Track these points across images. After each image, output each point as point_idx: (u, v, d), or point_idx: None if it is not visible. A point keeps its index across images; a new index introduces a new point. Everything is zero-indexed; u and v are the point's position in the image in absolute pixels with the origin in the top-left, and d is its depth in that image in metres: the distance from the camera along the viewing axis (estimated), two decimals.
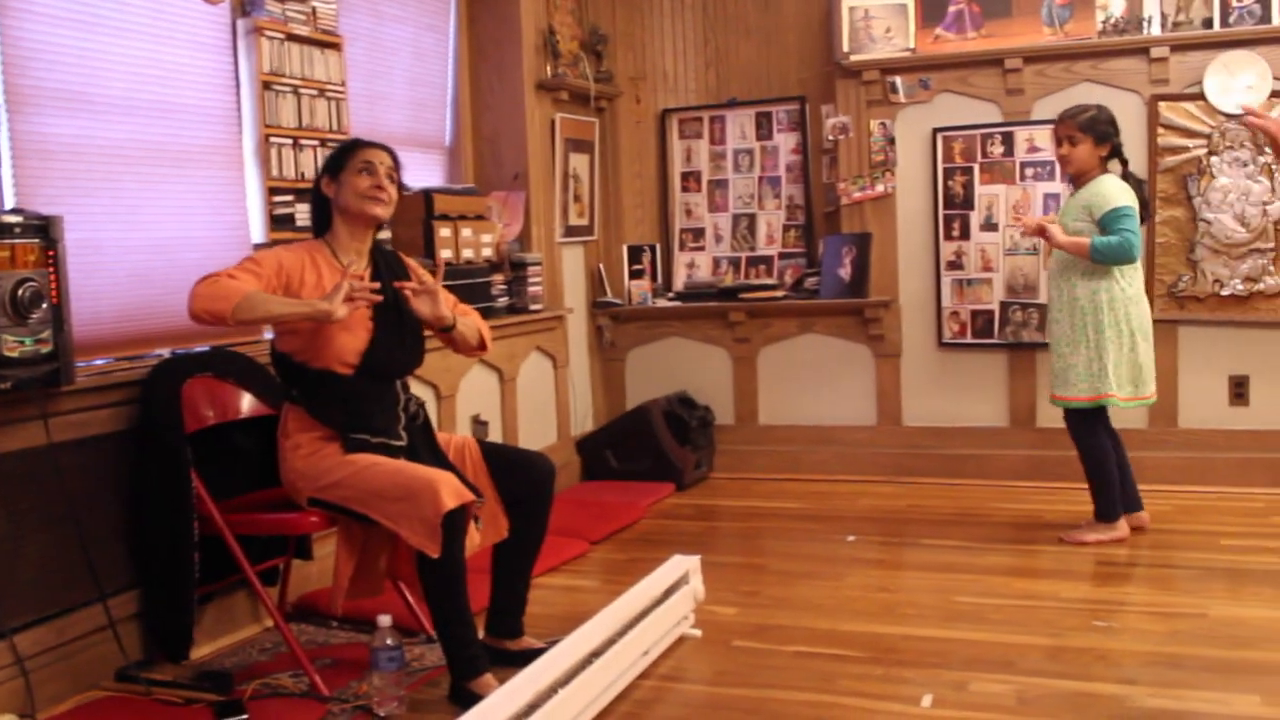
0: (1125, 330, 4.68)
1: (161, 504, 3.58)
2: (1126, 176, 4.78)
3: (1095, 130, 4.71)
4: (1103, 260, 4.60)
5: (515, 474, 3.64)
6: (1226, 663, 3.48)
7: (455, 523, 3.23)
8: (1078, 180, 4.80)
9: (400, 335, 3.58)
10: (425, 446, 3.57)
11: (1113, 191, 4.64)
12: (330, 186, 3.54)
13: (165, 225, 4.09)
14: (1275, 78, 5.43)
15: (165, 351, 3.95)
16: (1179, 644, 3.65)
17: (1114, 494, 4.83)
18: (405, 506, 3.25)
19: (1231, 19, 5.53)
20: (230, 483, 3.82)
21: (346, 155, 3.55)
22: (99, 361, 3.78)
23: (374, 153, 3.56)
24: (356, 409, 3.46)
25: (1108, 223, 4.60)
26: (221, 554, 3.60)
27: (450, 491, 3.22)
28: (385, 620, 3.28)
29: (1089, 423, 4.80)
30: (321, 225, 3.62)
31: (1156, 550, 4.72)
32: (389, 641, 3.26)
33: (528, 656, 3.23)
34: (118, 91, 3.92)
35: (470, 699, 3.16)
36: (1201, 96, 5.56)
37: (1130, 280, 4.71)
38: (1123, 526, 4.84)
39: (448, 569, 3.24)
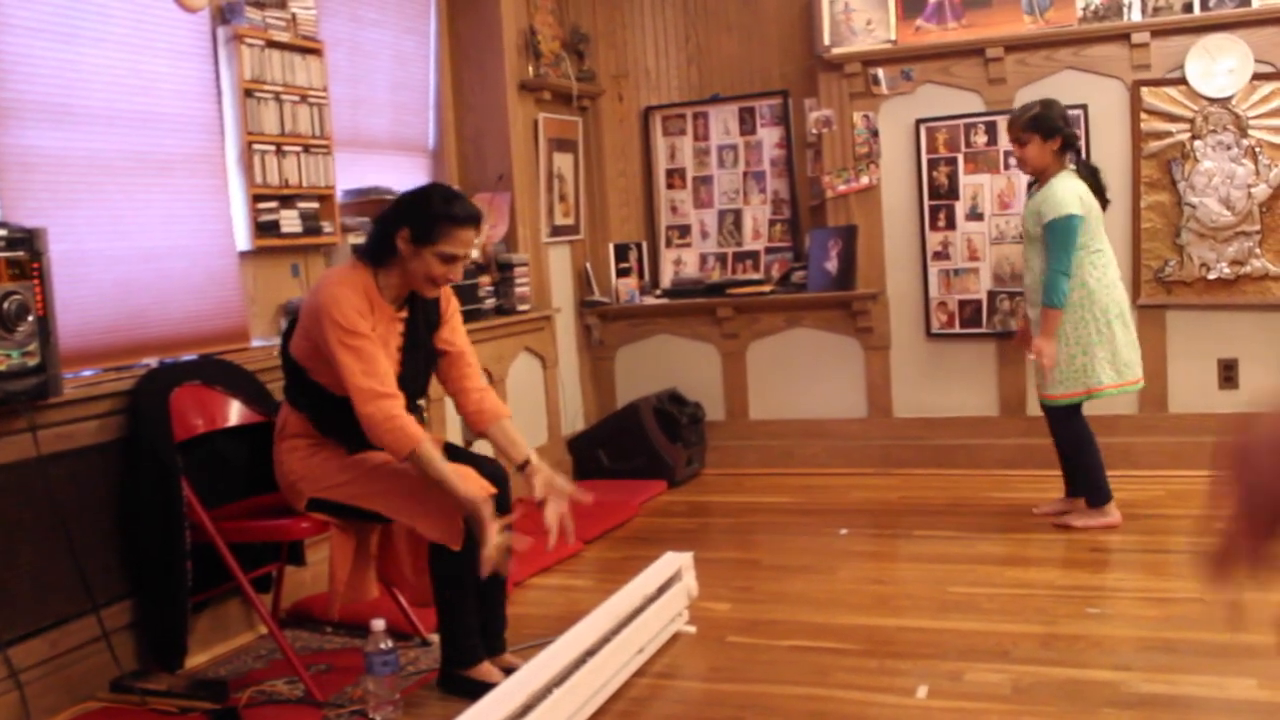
0: (1102, 319, 4.69)
1: (152, 513, 3.58)
2: (1081, 166, 4.82)
3: (1039, 128, 4.73)
4: (1061, 295, 4.63)
5: None
6: (1221, 647, 3.49)
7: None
8: (1040, 178, 4.81)
9: (418, 366, 3.55)
10: None
11: (1059, 197, 4.65)
12: (407, 247, 3.34)
13: (150, 235, 4.08)
14: (1256, 60, 5.44)
15: (153, 361, 3.94)
16: (1173, 629, 3.66)
17: (1102, 478, 4.86)
18: (425, 502, 3.28)
19: (1212, 2, 5.54)
20: (221, 490, 3.82)
21: (442, 231, 3.33)
22: (86, 373, 3.76)
23: (469, 237, 3.39)
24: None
25: (1048, 233, 4.64)
26: (214, 562, 3.59)
27: (474, 486, 3.27)
28: (379, 625, 3.28)
29: (1068, 413, 4.83)
30: (377, 259, 3.42)
31: (1149, 535, 4.73)
32: (383, 646, 3.26)
33: (508, 675, 3.15)
34: (99, 102, 3.91)
35: (465, 685, 3.24)
36: (1184, 81, 5.57)
37: (1102, 270, 4.72)
38: (1114, 512, 4.85)
39: (464, 561, 3.28)
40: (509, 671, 3.16)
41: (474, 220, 3.40)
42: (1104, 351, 4.70)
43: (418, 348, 3.53)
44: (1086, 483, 4.89)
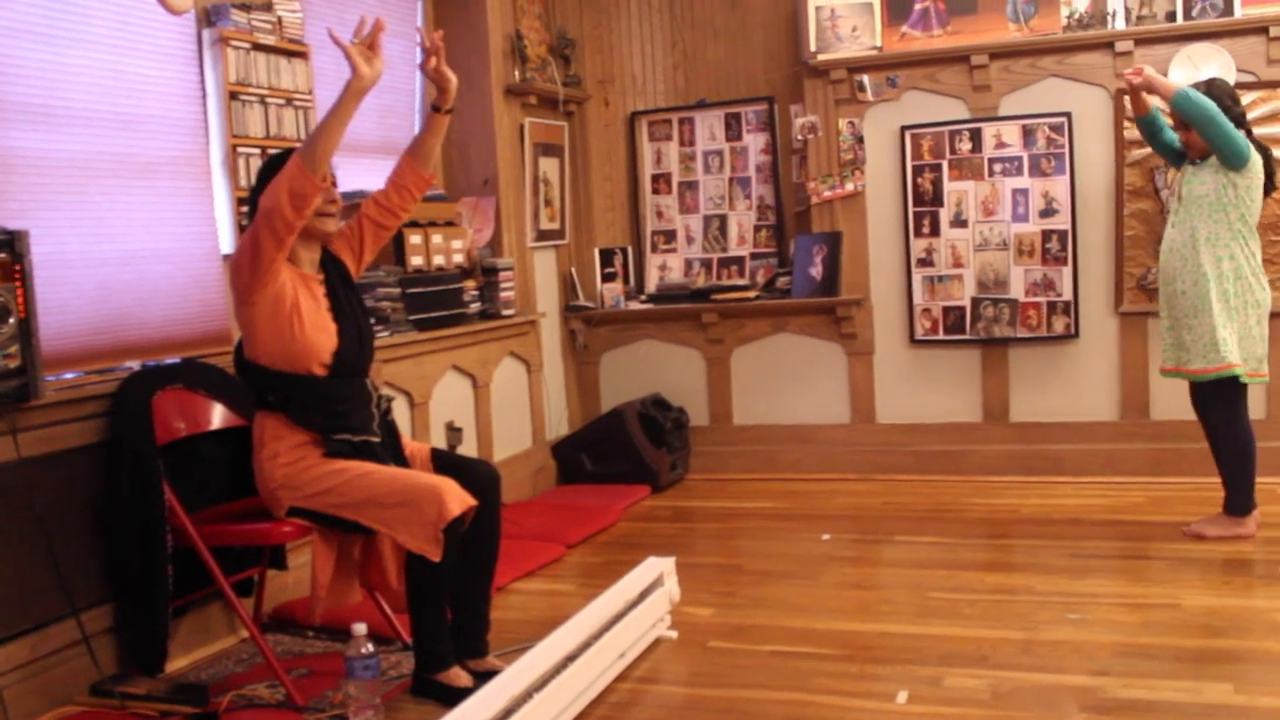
0: (1239, 299, 4.52)
1: (134, 517, 3.57)
2: (1255, 147, 4.62)
3: None
4: (1196, 108, 4.45)
5: (459, 481, 3.49)
6: (1199, 652, 3.52)
7: (456, 528, 3.29)
8: (1205, 158, 4.64)
9: (358, 326, 3.59)
10: (390, 447, 3.58)
11: None
12: None
13: (132, 237, 4.07)
14: (1238, 70, 5.47)
15: (135, 364, 3.93)
16: (1151, 635, 3.68)
17: (1246, 484, 4.64)
18: (406, 512, 3.30)
19: (1194, 12, 5.57)
20: (203, 494, 3.81)
21: None
22: (68, 375, 3.75)
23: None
24: (335, 409, 3.46)
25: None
26: (195, 566, 3.59)
27: (455, 498, 3.29)
28: (360, 629, 3.27)
29: (1229, 402, 4.61)
30: None
31: (1130, 541, 4.75)
32: (364, 650, 3.25)
33: (492, 678, 3.12)
34: (82, 104, 3.89)
35: (436, 689, 3.31)
36: None
37: (1251, 253, 4.55)
38: (1249, 523, 4.68)
39: (440, 571, 3.31)
40: (491, 674, 3.15)
41: None
42: (1232, 332, 4.52)
43: (350, 307, 3.58)
44: (1229, 486, 4.67)
